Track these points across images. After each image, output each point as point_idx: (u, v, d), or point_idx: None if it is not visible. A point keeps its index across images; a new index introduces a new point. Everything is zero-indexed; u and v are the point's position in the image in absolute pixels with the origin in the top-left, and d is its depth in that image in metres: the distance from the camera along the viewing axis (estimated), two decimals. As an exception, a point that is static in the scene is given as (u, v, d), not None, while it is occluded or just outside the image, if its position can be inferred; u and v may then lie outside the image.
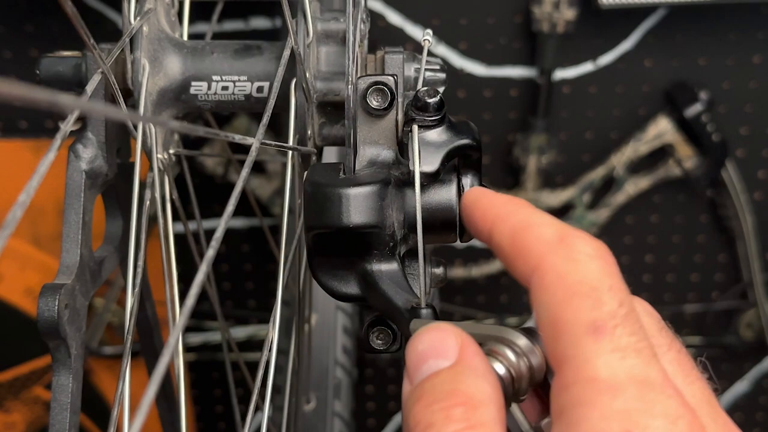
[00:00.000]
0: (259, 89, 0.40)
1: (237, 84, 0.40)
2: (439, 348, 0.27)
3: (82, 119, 0.38)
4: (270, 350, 0.36)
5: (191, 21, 0.45)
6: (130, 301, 0.36)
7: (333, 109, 0.40)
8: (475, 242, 0.95)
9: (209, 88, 0.40)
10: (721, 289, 0.97)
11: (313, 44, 0.39)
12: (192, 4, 0.45)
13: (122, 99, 0.37)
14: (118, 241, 0.42)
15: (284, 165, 0.39)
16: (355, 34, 0.36)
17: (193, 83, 0.40)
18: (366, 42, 0.41)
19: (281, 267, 0.38)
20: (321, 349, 0.71)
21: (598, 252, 0.26)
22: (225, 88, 0.40)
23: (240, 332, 0.95)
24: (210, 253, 0.23)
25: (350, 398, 0.72)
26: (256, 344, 0.94)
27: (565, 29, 0.84)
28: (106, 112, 0.35)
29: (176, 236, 0.41)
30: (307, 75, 0.38)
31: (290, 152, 0.38)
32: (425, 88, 0.32)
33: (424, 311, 0.29)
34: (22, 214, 0.20)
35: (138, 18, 0.37)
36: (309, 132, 0.39)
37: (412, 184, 0.31)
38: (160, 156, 0.40)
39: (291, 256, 0.40)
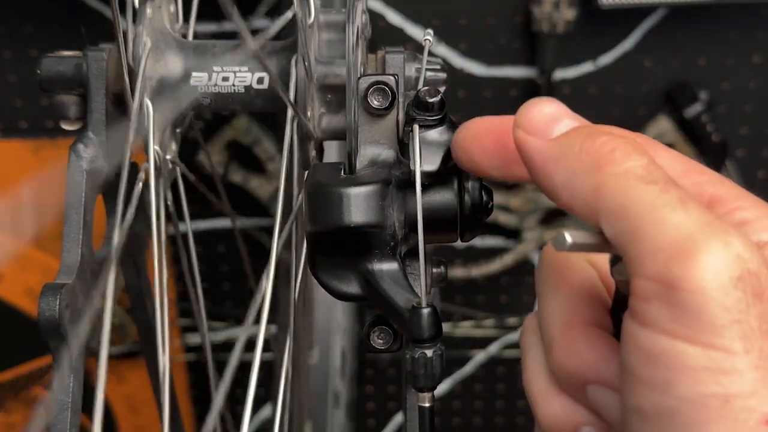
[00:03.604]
0: (260, 80, 0.40)
1: (237, 75, 0.39)
2: (568, 112, 0.28)
3: (83, 119, 0.38)
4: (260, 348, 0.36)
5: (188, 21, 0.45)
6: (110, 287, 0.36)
7: (333, 96, 0.39)
8: (475, 242, 0.95)
9: (209, 78, 0.39)
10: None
11: (314, 28, 0.39)
12: (188, 4, 0.45)
13: (128, 81, 0.37)
14: (119, 240, 0.42)
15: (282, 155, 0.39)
16: (355, 31, 0.36)
17: (193, 74, 0.39)
18: (369, 29, 0.40)
19: (274, 242, 0.38)
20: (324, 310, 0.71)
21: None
22: (225, 78, 0.39)
23: (239, 332, 0.95)
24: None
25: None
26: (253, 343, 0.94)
27: (565, 29, 0.84)
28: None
29: (173, 237, 0.41)
30: (309, 52, 0.38)
31: (289, 126, 0.38)
32: (426, 88, 0.32)
33: (425, 311, 0.29)
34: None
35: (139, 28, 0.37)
36: (309, 113, 0.39)
37: (412, 183, 0.31)
38: (156, 148, 0.39)
39: (284, 236, 0.40)
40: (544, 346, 0.30)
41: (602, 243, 0.27)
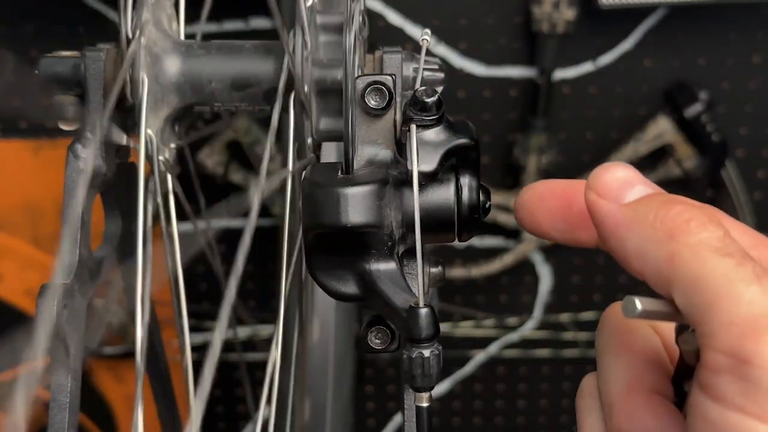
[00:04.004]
0: (261, 109, 0.40)
1: (238, 107, 0.40)
2: (641, 179, 0.28)
3: (81, 119, 0.38)
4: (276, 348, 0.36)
5: (189, 21, 0.45)
6: (139, 322, 0.36)
7: (331, 100, 0.39)
8: (475, 242, 0.95)
9: (212, 110, 0.40)
10: (722, 289, 0.97)
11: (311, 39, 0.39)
12: (189, 4, 0.45)
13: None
14: (117, 241, 0.42)
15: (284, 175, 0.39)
16: (352, 30, 0.35)
17: (196, 108, 0.40)
18: (366, 31, 0.40)
19: (283, 273, 0.38)
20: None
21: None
22: (227, 109, 0.40)
23: (240, 332, 0.95)
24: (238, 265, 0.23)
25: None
26: (257, 344, 0.94)
27: (565, 29, 0.84)
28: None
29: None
30: (305, 88, 0.38)
31: (290, 172, 0.38)
32: (423, 88, 0.32)
33: (423, 311, 0.29)
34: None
35: (136, 33, 0.37)
36: (308, 141, 0.39)
37: (410, 183, 0.31)
38: (161, 158, 0.40)
39: (293, 262, 0.40)
40: (603, 410, 0.30)
41: (672, 312, 0.27)
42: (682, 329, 0.28)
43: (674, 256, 0.25)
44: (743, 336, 0.23)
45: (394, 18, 0.86)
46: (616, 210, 0.28)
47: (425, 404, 0.31)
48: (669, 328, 0.29)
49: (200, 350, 0.95)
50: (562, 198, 0.30)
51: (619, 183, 0.28)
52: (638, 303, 0.26)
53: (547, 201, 0.31)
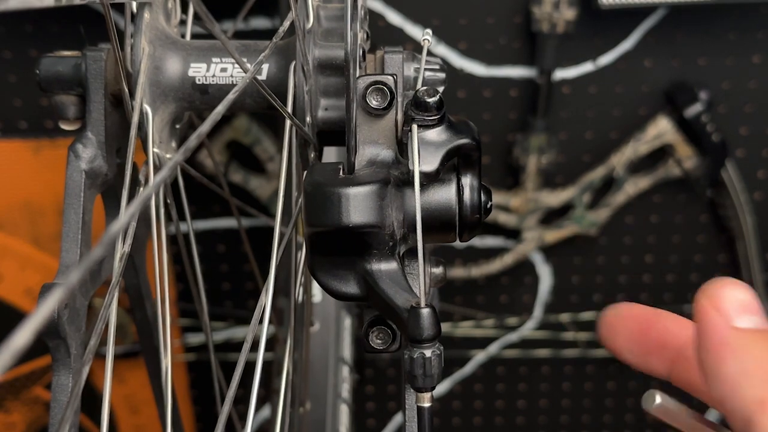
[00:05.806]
0: (258, 72, 0.39)
1: (236, 66, 0.39)
2: (760, 309, 0.27)
3: (82, 119, 0.38)
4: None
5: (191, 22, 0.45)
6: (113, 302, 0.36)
7: (332, 78, 0.39)
8: (475, 242, 0.95)
9: (208, 70, 0.39)
10: (721, 289, 0.97)
11: (313, 30, 0.39)
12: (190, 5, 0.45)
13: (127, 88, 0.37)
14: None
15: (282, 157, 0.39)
16: (354, 29, 0.35)
17: (192, 65, 0.39)
18: (368, 44, 0.40)
19: (275, 248, 0.38)
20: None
21: None
22: (224, 69, 0.39)
23: (239, 332, 0.95)
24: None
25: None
26: (255, 344, 0.94)
27: (565, 29, 0.84)
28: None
29: (174, 237, 0.41)
30: (308, 56, 0.38)
31: (287, 129, 0.38)
32: (425, 88, 0.32)
33: (424, 311, 0.29)
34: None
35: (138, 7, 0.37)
36: (308, 119, 0.39)
37: (411, 183, 0.31)
38: (155, 150, 0.39)
39: (285, 241, 0.40)
40: None
41: (694, 424, 0.26)
42: None
43: (766, 404, 0.24)
44: None
45: (394, 18, 0.86)
46: (726, 328, 0.26)
47: (426, 404, 0.30)
48: None
49: (199, 350, 0.95)
50: (642, 322, 0.31)
51: (738, 304, 0.27)
52: (658, 397, 0.26)
53: (626, 321, 0.31)
